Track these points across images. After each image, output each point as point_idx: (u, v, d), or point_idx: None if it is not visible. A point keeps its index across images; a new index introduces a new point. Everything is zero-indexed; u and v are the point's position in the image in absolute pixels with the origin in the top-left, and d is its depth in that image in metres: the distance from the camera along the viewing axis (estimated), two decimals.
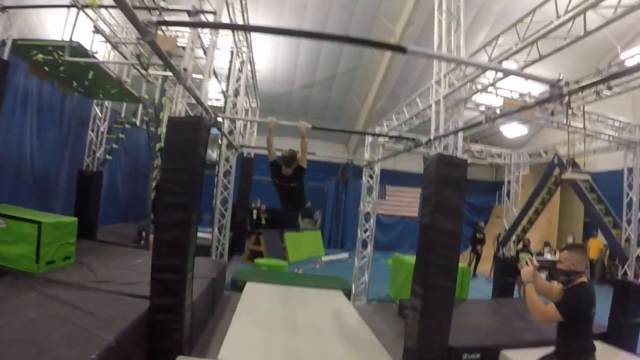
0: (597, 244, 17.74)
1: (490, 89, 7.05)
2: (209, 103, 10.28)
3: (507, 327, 8.52)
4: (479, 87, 6.93)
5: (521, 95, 7.77)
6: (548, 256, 16.67)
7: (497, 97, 7.68)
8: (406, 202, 23.99)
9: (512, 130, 21.65)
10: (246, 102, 17.13)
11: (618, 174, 9.79)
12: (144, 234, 11.40)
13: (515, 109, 5.85)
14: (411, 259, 11.21)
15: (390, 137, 9.57)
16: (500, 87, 7.30)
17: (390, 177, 22.78)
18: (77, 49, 7.27)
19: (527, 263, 4.32)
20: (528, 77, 4.38)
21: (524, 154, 12.98)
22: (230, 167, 10.90)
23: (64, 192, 11.99)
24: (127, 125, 12.74)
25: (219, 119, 7.08)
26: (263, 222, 19.14)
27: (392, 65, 18.20)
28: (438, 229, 6.10)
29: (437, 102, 6.74)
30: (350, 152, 23.91)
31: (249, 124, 17.52)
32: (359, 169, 23.85)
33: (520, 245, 12.93)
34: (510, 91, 7.66)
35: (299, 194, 6.89)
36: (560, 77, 4.07)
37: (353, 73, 19.72)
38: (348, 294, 10.81)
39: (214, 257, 10.60)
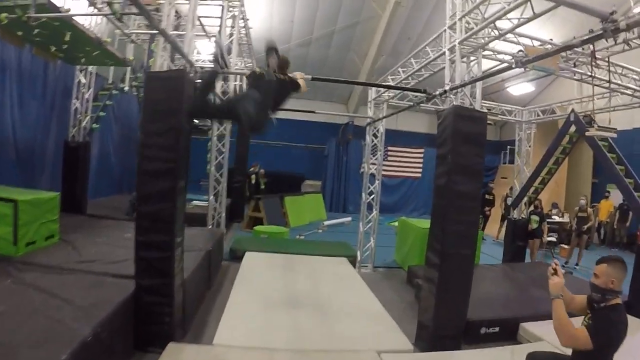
0: (607, 206, 17.39)
1: (510, 36, 6.27)
2: (201, 65, 9.56)
3: (524, 296, 7.98)
4: (496, 33, 6.16)
5: (542, 43, 7.00)
6: (556, 218, 16.18)
7: (515, 46, 6.91)
8: (409, 163, 23.29)
9: (518, 87, 20.94)
10: (241, 63, 16.35)
11: (628, 134, 9.10)
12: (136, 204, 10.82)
13: (542, 55, 5.12)
14: (418, 222, 10.66)
15: (399, 90, 8.68)
16: (521, 33, 6.52)
17: (392, 137, 21.99)
18: (47, 7, 6.51)
19: (554, 272, 3.56)
20: (579, 8, 3.65)
21: (536, 111, 12.18)
22: (225, 129, 10.18)
23: (50, 167, 11.33)
24: (114, 92, 11.97)
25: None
26: (262, 186, 18.51)
27: (393, 19, 17.30)
28: (455, 191, 5.46)
29: (452, 49, 6.02)
30: (351, 112, 23.10)
31: (244, 82, 16.71)
32: (361, 129, 23.12)
33: (532, 208, 12.29)
34: (531, 39, 6.88)
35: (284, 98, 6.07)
36: (615, 10, 3.36)
37: (352, 29, 18.85)
38: (353, 261, 10.26)
39: (210, 227, 9.98)
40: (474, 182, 5.55)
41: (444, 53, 6.36)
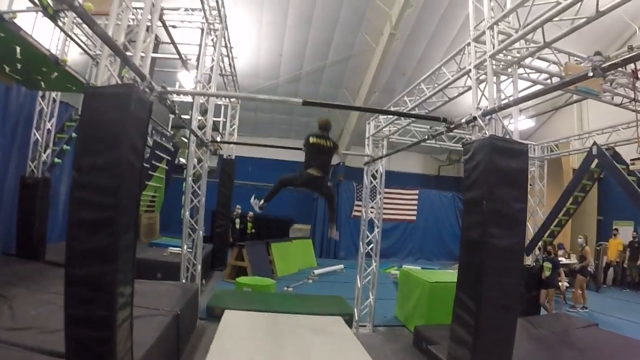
0: (616, 245, 16.44)
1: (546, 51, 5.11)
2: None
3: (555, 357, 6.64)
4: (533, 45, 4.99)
5: (580, 60, 5.84)
6: (562, 259, 14.98)
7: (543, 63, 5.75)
8: (403, 205, 22.03)
9: (519, 123, 19.96)
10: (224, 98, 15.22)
11: None
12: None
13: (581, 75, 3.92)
14: (423, 274, 9.39)
15: (412, 117, 7.21)
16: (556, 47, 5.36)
17: (385, 179, 20.94)
18: None
19: None
20: None
21: (549, 146, 11.09)
22: (201, 168, 8.89)
23: (9, 205, 9.94)
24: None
25: (170, 94, 4.90)
26: (250, 231, 17.15)
27: (387, 54, 16.31)
28: (493, 248, 4.18)
29: (480, 65, 4.83)
30: (342, 152, 21.95)
31: (228, 121, 15.53)
32: (352, 170, 22.22)
33: (544, 253, 11.05)
34: (568, 55, 5.72)
35: (330, 160, 6.72)
36: None
37: (344, 64, 17.93)
38: (349, 320, 8.88)
39: (183, 280, 8.57)
40: (516, 234, 4.28)
41: (467, 72, 5.17)
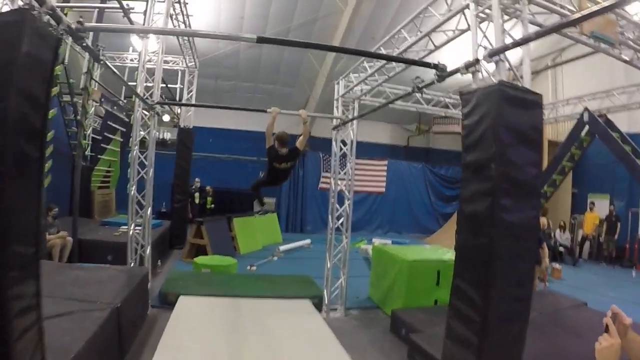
0: (592, 218, 16.12)
1: None
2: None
3: (552, 344, 5.87)
4: None
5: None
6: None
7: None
8: (372, 177, 21.16)
9: None
10: (181, 62, 14.07)
11: None
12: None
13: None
14: (399, 250, 8.61)
15: (399, 61, 6.02)
16: None
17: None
18: None
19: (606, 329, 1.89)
20: None
21: None
22: (147, 135, 7.77)
23: None
24: None
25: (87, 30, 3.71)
26: (209, 205, 16.11)
27: (356, 16, 15.30)
28: (504, 223, 3.30)
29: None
30: (308, 120, 20.91)
31: (185, 88, 14.42)
32: (318, 140, 21.21)
33: None
34: None
35: (290, 171, 7.10)
36: None
37: (310, 27, 16.79)
38: (319, 302, 8.03)
39: (132, 264, 7.54)
40: (532, 207, 3.41)
41: (464, 8, 4.23)
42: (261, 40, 3.93)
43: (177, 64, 14.58)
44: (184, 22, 11.58)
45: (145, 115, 7.60)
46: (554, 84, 17.96)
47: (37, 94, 2.89)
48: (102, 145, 14.24)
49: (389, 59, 5.73)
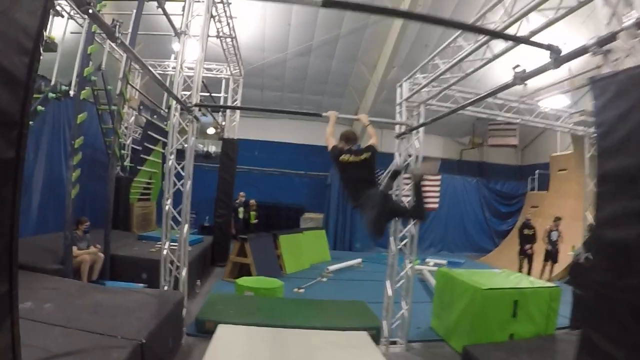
0: None
1: None
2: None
3: None
4: None
5: None
6: None
7: None
8: (426, 192, 19.98)
9: (551, 100, 17.99)
10: (226, 70, 13.38)
11: None
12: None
13: None
14: (468, 277, 7.48)
15: (501, 38, 4.71)
16: None
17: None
18: None
19: None
20: None
21: None
22: (184, 142, 6.87)
23: None
24: (51, 95, 8.94)
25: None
26: (253, 220, 15.28)
27: (408, 24, 14.32)
28: None
29: None
30: (359, 131, 19.96)
31: (230, 97, 13.72)
32: None
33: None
34: None
35: (367, 165, 5.34)
36: None
37: (359, 34, 15.88)
38: (376, 334, 7.05)
39: (165, 287, 6.69)
40: None
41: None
42: (327, 4, 2.98)
43: (221, 71, 13.93)
44: (228, 24, 10.87)
45: (184, 121, 6.79)
46: None
47: (12, 69, 2.04)
48: (142, 156, 13.64)
49: (490, 33, 4.54)
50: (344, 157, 5.27)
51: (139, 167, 13.77)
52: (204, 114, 14.06)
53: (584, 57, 3.13)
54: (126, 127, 13.71)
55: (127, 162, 13.26)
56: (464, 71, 5.48)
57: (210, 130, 18.21)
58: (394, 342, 7.23)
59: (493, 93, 4.13)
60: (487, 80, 12.35)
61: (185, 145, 6.87)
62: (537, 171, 19.30)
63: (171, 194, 6.52)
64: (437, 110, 7.41)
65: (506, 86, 3.78)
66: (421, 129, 7.05)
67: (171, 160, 6.49)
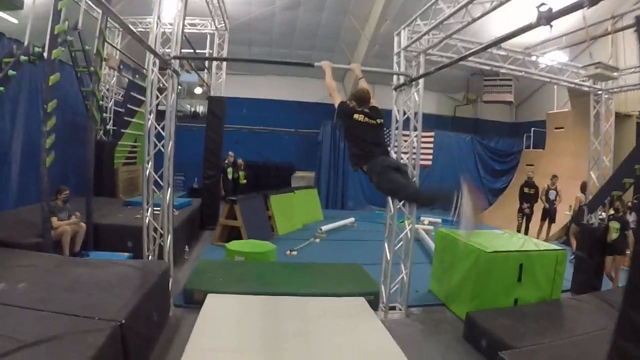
0: None
1: None
2: None
3: None
4: None
5: None
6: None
7: None
8: (412, 148, 19.48)
9: (549, 56, 17.45)
10: (210, 23, 12.72)
11: None
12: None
13: None
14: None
15: None
16: None
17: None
18: None
19: None
20: None
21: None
22: (164, 100, 6.27)
23: None
24: (23, 58, 8.32)
25: None
26: (242, 180, 14.83)
27: None
28: None
29: None
30: (348, 91, 19.36)
31: (215, 53, 13.10)
32: None
33: (611, 211, 8.85)
34: None
35: (382, 129, 5.06)
36: None
37: None
38: (374, 299, 6.72)
39: (149, 256, 6.26)
40: None
41: None
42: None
43: (205, 26, 13.22)
44: None
45: (163, 77, 6.23)
46: (614, 51, 15.98)
47: None
48: (125, 118, 13.09)
49: None
50: (358, 116, 4.81)
51: (122, 131, 13.24)
52: (187, 70, 13.45)
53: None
54: (107, 89, 13.09)
55: (110, 126, 12.71)
56: (471, 16, 4.93)
57: (198, 90, 17.55)
58: (393, 308, 6.87)
59: (509, 37, 3.63)
60: (484, 34, 11.74)
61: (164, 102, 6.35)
62: (532, 129, 18.86)
63: (152, 156, 6.02)
64: (436, 62, 6.82)
65: (528, 27, 3.29)
66: (421, 81, 6.53)
67: (150, 120, 5.96)
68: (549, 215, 13.00)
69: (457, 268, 6.96)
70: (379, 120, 4.92)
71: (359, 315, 5.79)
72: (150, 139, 6.04)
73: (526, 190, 13.44)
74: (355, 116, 4.80)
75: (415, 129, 6.90)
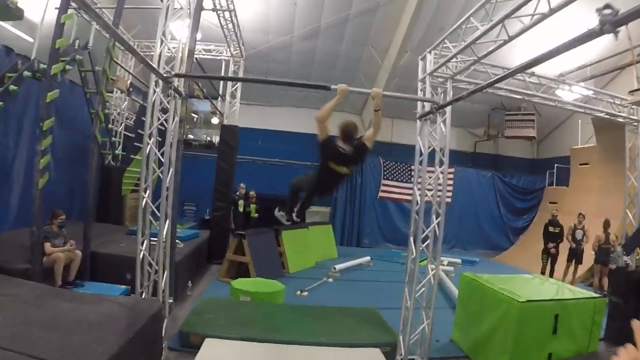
0: None
1: None
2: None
3: None
4: None
5: None
6: None
7: None
8: (437, 185, 18.85)
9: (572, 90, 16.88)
10: (225, 51, 12.35)
11: None
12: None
13: None
14: (500, 284, 6.41)
15: None
16: None
17: (413, 154, 17.84)
18: None
19: None
20: None
21: None
22: (164, 122, 5.67)
23: None
24: (26, 74, 7.95)
25: None
26: (254, 214, 14.21)
27: (422, 4, 13.22)
28: None
29: None
30: (366, 125, 18.84)
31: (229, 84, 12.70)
32: (377, 144, 19.01)
33: None
34: None
35: (347, 178, 5.37)
36: None
37: (370, 16, 14.76)
38: (391, 350, 6.02)
39: (143, 294, 5.64)
40: None
41: None
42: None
43: (221, 52, 12.85)
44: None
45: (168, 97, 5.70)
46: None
47: None
48: (135, 143, 12.62)
49: None
50: (332, 164, 4.89)
51: (132, 156, 12.77)
52: (198, 96, 13.06)
53: None
54: (118, 113, 12.71)
55: (119, 151, 12.28)
56: (507, 34, 4.36)
57: (215, 120, 17.18)
58: None
59: (559, 51, 3.03)
60: (512, 63, 11.21)
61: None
62: (555, 165, 18.15)
63: (149, 184, 5.46)
64: (463, 90, 6.24)
65: (589, 36, 2.70)
66: (448, 110, 5.90)
67: (149, 145, 5.42)
68: (576, 255, 12.23)
69: (485, 318, 6.23)
70: (349, 170, 5.05)
71: None
72: (149, 165, 5.49)
73: (551, 229, 12.69)
74: (330, 164, 4.88)
75: (442, 163, 6.18)
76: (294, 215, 5.61)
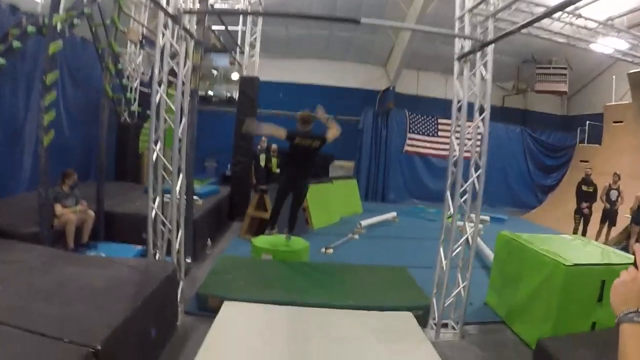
0: None
1: None
2: None
3: None
4: None
5: None
6: None
7: None
8: (476, 135, 18.16)
9: (605, 44, 15.92)
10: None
11: None
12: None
13: None
14: (542, 246, 5.90)
15: None
16: None
17: (439, 108, 17.22)
18: None
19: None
20: None
21: None
22: (176, 66, 5.15)
23: None
24: (30, 29, 7.42)
25: None
26: (275, 169, 13.80)
27: None
28: None
29: None
30: (391, 78, 18.13)
31: (248, 31, 12.09)
32: (403, 97, 18.45)
33: None
34: None
35: (315, 154, 6.71)
36: None
37: None
38: (423, 314, 5.60)
39: (157, 255, 5.25)
40: None
41: None
42: None
43: (239, 1, 12.17)
44: None
45: (178, 38, 5.17)
46: None
47: None
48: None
49: None
50: (297, 140, 6.44)
51: (149, 112, 12.33)
52: (216, 45, 12.47)
53: None
54: (133, 69, 12.20)
55: (135, 107, 11.83)
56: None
57: (235, 76, 16.59)
58: (445, 325, 5.66)
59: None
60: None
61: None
62: (587, 122, 17.25)
63: (160, 135, 5.03)
64: (504, 29, 5.58)
65: None
66: (490, 51, 5.25)
67: (159, 93, 4.95)
68: (610, 217, 11.61)
69: (524, 281, 5.74)
70: (313, 143, 6.49)
71: (405, 336, 4.73)
72: (160, 115, 5.04)
73: (584, 188, 11.99)
74: (296, 140, 6.38)
75: (482, 110, 5.59)
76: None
